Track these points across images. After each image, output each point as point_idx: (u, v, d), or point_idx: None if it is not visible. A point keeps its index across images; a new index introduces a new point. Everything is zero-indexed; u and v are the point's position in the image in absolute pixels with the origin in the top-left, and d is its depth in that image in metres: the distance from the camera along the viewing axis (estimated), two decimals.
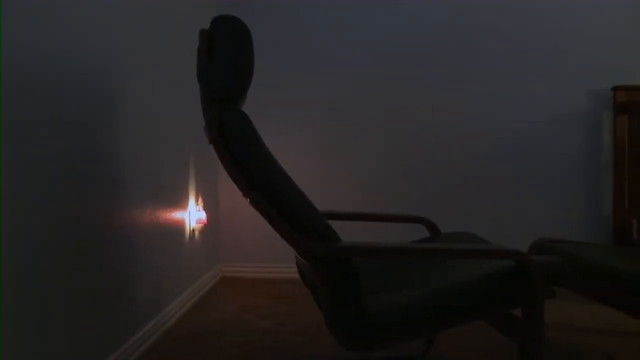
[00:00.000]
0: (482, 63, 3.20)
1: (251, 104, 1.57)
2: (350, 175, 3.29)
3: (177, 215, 2.55)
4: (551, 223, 3.18)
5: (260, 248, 3.15)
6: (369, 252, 1.50)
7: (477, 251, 1.54)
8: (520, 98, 3.18)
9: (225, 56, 1.34)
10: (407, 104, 3.24)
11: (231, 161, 1.29)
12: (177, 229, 2.57)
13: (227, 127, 1.31)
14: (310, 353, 2.09)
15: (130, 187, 2.03)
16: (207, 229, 2.99)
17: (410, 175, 3.26)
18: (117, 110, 1.93)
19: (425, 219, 1.99)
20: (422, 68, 3.23)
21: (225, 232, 3.34)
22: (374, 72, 3.26)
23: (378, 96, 3.25)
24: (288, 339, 2.23)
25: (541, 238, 2.08)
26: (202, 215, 2.83)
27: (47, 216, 1.47)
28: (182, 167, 2.67)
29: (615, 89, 3.00)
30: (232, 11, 1.67)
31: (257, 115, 1.73)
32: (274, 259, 2.95)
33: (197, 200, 2.84)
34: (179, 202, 2.60)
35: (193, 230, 2.77)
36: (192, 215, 2.75)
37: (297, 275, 1.74)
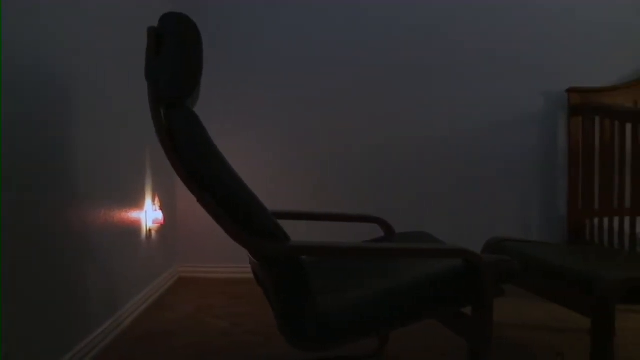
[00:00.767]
0: (438, 65, 3.22)
1: (201, 103, 1.55)
2: (304, 175, 3.28)
3: (133, 215, 2.49)
4: (508, 223, 3.24)
5: (218, 248, 3.10)
6: (319, 252, 1.49)
7: (428, 250, 1.55)
8: (476, 99, 3.22)
9: (173, 54, 1.31)
10: (362, 103, 3.24)
11: (180, 162, 1.27)
12: (133, 229, 2.51)
13: (175, 127, 1.29)
14: (265, 353, 2.08)
15: (84, 186, 1.98)
16: (164, 229, 2.94)
17: (367, 175, 3.27)
18: (69, 107, 1.87)
19: (381, 219, 1.99)
20: (376, 68, 3.23)
21: (182, 233, 3.29)
22: (327, 71, 3.24)
23: (332, 95, 3.25)
24: (243, 339, 2.21)
25: (494, 237, 2.10)
26: (159, 215, 2.78)
27: None
28: (138, 167, 2.61)
29: (569, 91, 3.05)
30: (183, 8, 1.64)
31: (207, 115, 1.71)
32: (231, 258, 2.91)
33: (153, 200, 2.79)
34: (135, 201, 2.54)
35: (150, 230, 2.72)
36: (149, 215, 2.70)
37: None
